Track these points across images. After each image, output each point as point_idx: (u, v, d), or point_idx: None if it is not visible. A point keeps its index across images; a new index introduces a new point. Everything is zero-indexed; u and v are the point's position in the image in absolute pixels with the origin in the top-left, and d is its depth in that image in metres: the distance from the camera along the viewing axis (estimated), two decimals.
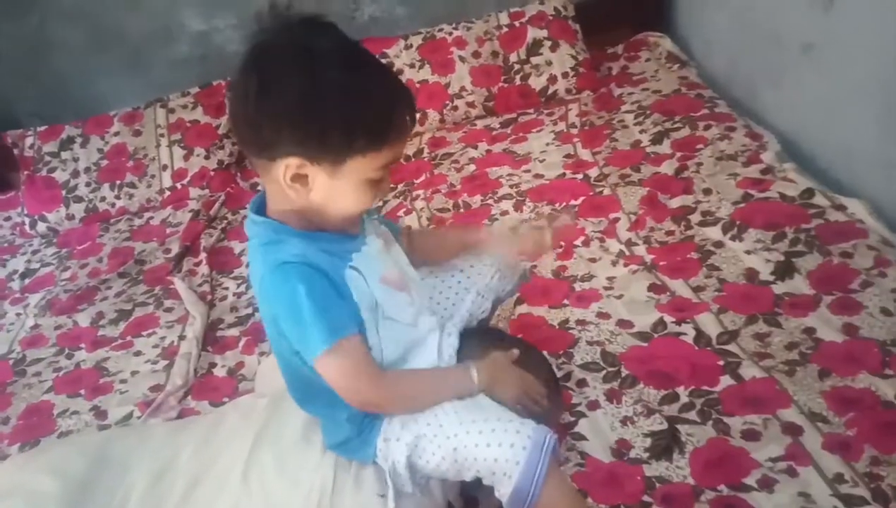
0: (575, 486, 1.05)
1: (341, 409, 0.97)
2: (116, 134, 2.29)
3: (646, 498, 1.05)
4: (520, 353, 1.09)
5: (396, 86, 0.91)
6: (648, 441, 1.13)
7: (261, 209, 0.97)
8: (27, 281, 2.05)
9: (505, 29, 2.27)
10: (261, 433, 1.09)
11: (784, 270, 1.37)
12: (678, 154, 1.79)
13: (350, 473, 1.00)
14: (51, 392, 1.59)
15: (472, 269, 1.18)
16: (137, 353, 1.65)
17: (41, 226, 2.25)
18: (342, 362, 0.90)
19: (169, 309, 1.78)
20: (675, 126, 1.90)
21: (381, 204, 1.93)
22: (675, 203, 1.65)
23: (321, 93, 0.84)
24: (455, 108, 2.24)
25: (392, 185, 1.90)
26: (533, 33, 2.24)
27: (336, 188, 0.89)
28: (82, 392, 1.57)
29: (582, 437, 1.16)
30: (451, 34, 2.28)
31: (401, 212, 1.91)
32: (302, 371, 0.95)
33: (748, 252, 1.44)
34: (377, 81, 0.88)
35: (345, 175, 0.88)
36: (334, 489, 0.99)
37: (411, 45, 2.28)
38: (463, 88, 2.23)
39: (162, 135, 2.28)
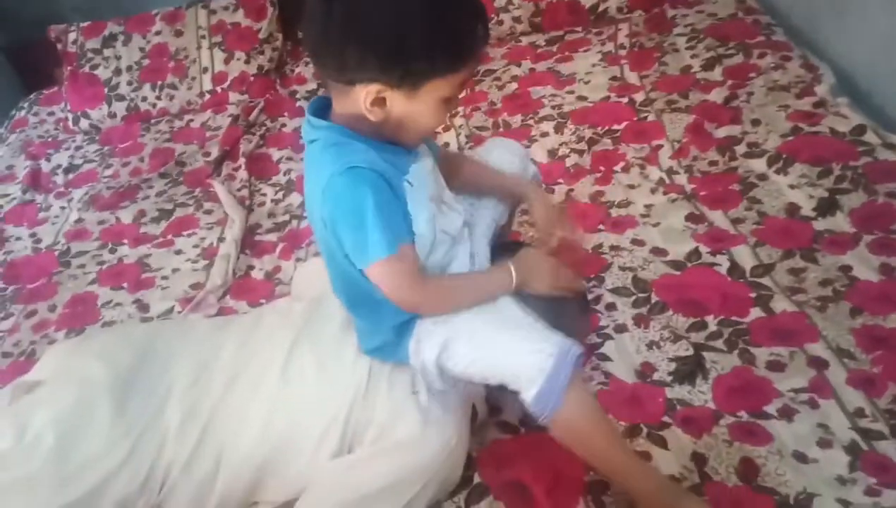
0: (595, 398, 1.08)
1: (385, 314, 1.00)
2: (158, 33, 2.28)
3: (665, 419, 1.08)
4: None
5: (471, 4, 0.91)
6: (673, 366, 1.15)
7: (318, 113, 0.98)
8: (70, 176, 2.10)
9: None
10: (300, 334, 1.13)
11: (826, 207, 1.35)
12: (729, 81, 1.74)
13: (384, 374, 1.05)
14: (95, 284, 1.66)
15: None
16: (178, 252, 1.71)
17: (84, 123, 2.28)
18: (395, 269, 0.94)
19: (209, 211, 1.82)
20: (729, 52, 1.83)
21: None
22: (721, 132, 1.61)
23: (407, 23, 0.85)
24: (500, 22, 2.17)
25: None
26: None
27: (413, 109, 0.92)
28: (125, 285, 1.63)
29: (607, 358, 1.19)
30: None
31: (439, 129, 1.89)
32: (350, 274, 0.98)
33: (792, 186, 1.42)
34: (455, 4, 0.88)
35: (422, 96, 0.90)
36: (368, 388, 1.03)
37: None
38: (509, 2, 2.16)
39: (203, 37, 2.27)
